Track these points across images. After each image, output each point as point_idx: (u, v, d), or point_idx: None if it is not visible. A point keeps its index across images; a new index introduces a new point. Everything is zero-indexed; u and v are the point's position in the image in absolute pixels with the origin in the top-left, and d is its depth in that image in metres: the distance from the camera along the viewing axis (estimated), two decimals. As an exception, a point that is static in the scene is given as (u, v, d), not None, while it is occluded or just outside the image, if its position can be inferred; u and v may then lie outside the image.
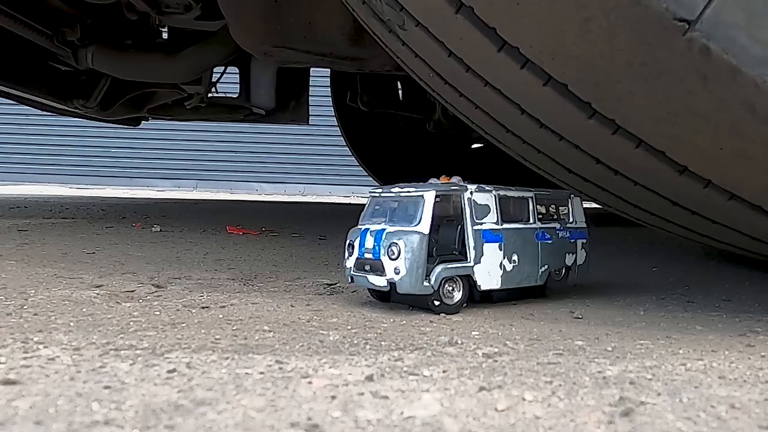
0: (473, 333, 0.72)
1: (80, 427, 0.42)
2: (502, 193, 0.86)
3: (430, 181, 0.86)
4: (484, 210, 0.84)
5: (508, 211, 0.87)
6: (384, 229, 0.81)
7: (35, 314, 0.75)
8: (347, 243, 0.86)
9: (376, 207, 0.86)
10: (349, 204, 3.91)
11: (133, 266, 1.18)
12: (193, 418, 0.44)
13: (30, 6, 1.80)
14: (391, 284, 0.80)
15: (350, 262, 0.85)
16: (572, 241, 0.95)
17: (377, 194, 0.87)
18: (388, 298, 0.87)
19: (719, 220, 0.79)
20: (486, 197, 0.85)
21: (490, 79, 0.76)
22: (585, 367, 0.58)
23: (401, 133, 3.02)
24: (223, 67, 2.36)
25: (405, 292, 0.79)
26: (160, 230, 1.79)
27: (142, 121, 2.83)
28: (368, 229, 0.83)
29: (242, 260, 1.31)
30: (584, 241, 0.97)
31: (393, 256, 0.79)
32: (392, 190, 0.85)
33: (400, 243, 0.78)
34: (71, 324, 0.71)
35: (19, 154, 7.00)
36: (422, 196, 0.81)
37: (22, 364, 0.54)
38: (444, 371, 0.55)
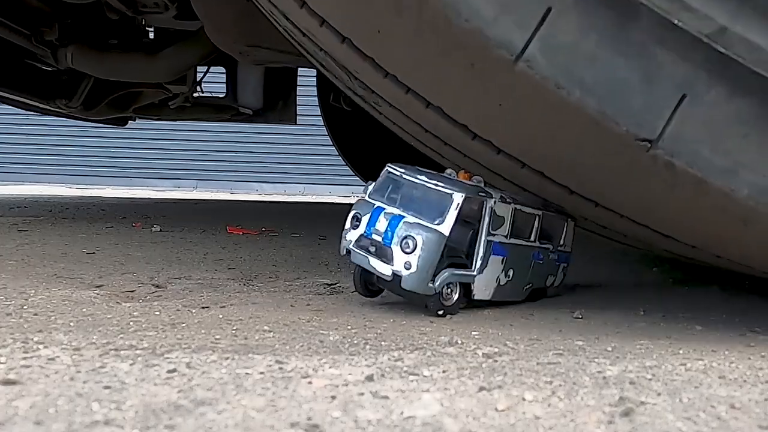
0: (473, 333, 0.72)
1: (80, 427, 0.42)
2: (518, 207, 0.84)
3: (446, 172, 0.83)
4: (500, 221, 0.82)
5: (516, 225, 0.85)
6: (402, 217, 0.77)
7: (35, 314, 0.75)
8: (352, 214, 0.82)
9: (394, 187, 0.82)
10: (349, 204, 3.92)
11: (133, 266, 1.18)
12: (193, 418, 0.44)
13: (6, 5, 1.79)
14: (396, 276, 0.77)
15: (352, 236, 0.82)
16: (557, 264, 0.94)
17: (398, 174, 0.82)
18: (375, 293, 0.86)
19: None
20: (505, 209, 0.82)
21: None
22: (585, 367, 0.58)
23: (384, 132, 3.02)
24: (207, 67, 2.35)
25: (409, 288, 0.77)
26: (160, 230, 1.79)
27: (130, 121, 2.82)
28: (383, 209, 0.79)
29: (242, 260, 1.31)
30: (566, 265, 0.96)
31: (408, 249, 0.76)
32: (418, 176, 0.80)
33: (419, 238, 0.75)
34: (71, 324, 0.71)
35: (19, 154, 7.00)
36: (451, 195, 0.77)
37: (22, 364, 0.54)
38: (444, 371, 0.55)
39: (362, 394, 0.49)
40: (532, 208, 0.86)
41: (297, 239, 1.72)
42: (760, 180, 0.57)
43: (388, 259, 0.78)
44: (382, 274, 0.79)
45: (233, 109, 2.49)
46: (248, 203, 3.48)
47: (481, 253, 0.80)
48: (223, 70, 2.40)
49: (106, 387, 0.49)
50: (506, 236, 0.83)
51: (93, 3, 1.79)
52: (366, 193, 0.84)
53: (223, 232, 1.82)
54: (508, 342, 0.68)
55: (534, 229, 0.87)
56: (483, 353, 0.62)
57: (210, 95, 2.51)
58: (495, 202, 0.80)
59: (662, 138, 0.57)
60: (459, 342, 0.67)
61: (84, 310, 0.79)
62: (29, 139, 6.95)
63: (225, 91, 2.46)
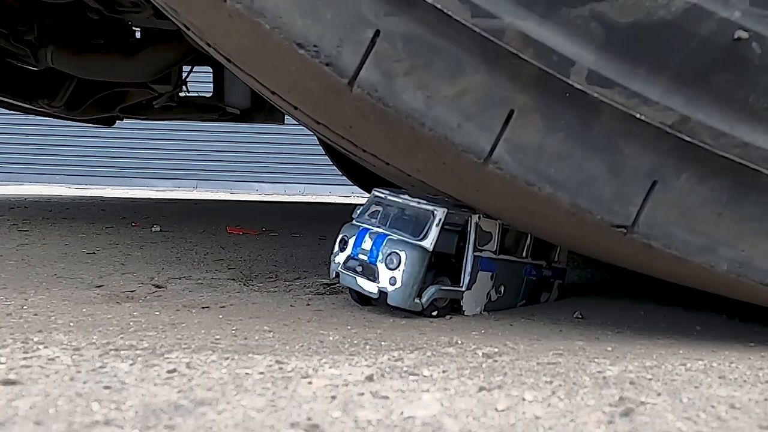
0: (473, 333, 0.72)
1: (80, 427, 0.42)
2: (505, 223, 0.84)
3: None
4: (487, 237, 0.82)
5: (506, 241, 0.85)
6: (387, 235, 0.79)
7: (35, 314, 0.75)
8: (339, 238, 0.84)
9: (378, 208, 0.84)
10: (349, 204, 3.92)
11: (133, 266, 1.18)
12: (193, 418, 0.44)
13: None
14: (382, 293, 0.78)
15: (340, 258, 0.83)
16: (552, 280, 0.94)
17: (382, 196, 0.85)
18: (368, 301, 0.86)
19: None
20: (491, 225, 0.82)
21: None
22: (585, 367, 0.58)
23: None
24: (190, 66, 2.34)
25: (395, 304, 0.78)
26: (160, 230, 1.79)
27: (118, 121, 2.81)
28: (368, 229, 0.81)
29: (242, 260, 1.31)
30: (561, 281, 0.96)
31: (392, 266, 0.77)
32: (401, 195, 0.83)
33: (402, 254, 0.76)
34: (71, 324, 0.71)
35: (19, 154, 7.00)
36: (433, 211, 0.78)
37: (22, 364, 0.54)
38: (444, 371, 0.55)
39: (362, 394, 0.49)
40: None
41: (297, 239, 1.72)
42: (738, 255, 0.59)
43: (374, 276, 0.79)
44: (369, 293, 0.80)
45: (220, 109, 2.47)
46: (248, 203, 3.48)
47: (468, 269, 0.81)
48: (210, 69, 2.39)
49: (106, 387, 0.49)
50: (494, 252, 0.83)
51: (73, 3, 1.79)
52: (354, 217, 0.86)
53: (223, 232, 1.82)
54: (508, 342, 0.68)
55: (525, 246, 0.87)
56: (483, 353, 0.62)
57: (196, 95, 2.50)
58: (479, 218, 0.81)
59: (637, 224, 0.58)
60: (459, 342, 0.67)
61: (84, 310, 0.79)
62: (29, 139, 6.95)
63: (212, 90, 2.45)
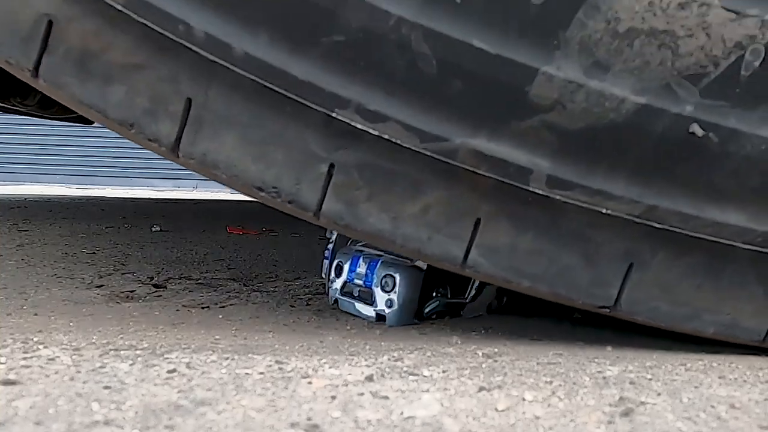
0: (473, 333, 0.72)
1: (80, 427, 0.42)
2: None
3: None
4: None
5: None
6: (381, 258, 0.79)
7: (35, 314, 0.75)
8: (335, 263, 0.84)
9: None
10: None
11: (133, 266, 1.18)
12: (193, 418, 0.44)
13: None
14: (380, 315, 0.78)
15: (338, 284, 0.83)
16: None
17: None
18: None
19: None
20: None
21: None
22: (585, 367, 0.58)
23: None
24: None
25: (395, 325, 0.78)
26: (160, 230, 1.79)
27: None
28: (361, 253, 0.81)
29: (242, 260, 1.31)
30: None
31: (387, 288, 0.77)
32: None
33: (397, 276, 0.77)
34: (71, 324, 0.71)
35: (19, 154, 7.00)
36: None
37: (22, 364, 0.54)
38: (444, 371, 0.55)
39: (362, 394, 0.49)
40: None
41: (297, 239, 1.72)
42: (723, 319, 0.61)
43: (371, 300, 0.79)
44: (368, 317, 0.80)
45: None
46: (248, 203, 3.49)
47: (476, 283, 0.81)
48: None
49: (106, 387, 0.49)
50: None
51: None
52: (331, 236, 0.86)
53: (223, 232, 1.82)
54: (508, 342, 0.68)
55: None
56: (483, 353, 0.62)
57: None
58: None
59: (619, 303, 0.60)
60: (459, 342, 0.67)
61: (84, 310, 0.79)
62: (29, 139, 6.94)
63: None
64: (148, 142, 0.60)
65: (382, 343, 0.66)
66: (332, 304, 0.84)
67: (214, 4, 0.56)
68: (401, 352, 0.62)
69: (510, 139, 0.56)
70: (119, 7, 0.56)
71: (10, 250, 1.34)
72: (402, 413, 0.46)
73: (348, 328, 0.74)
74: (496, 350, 0.64)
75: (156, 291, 0.95)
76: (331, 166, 0.58)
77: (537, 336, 0.72)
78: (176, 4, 0.56)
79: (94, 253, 1.34)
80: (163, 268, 1.17)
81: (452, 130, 0.56)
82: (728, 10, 0.52)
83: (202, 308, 0.83)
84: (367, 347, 0.64)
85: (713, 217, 0.57)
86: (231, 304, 0.86)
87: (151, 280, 1.04)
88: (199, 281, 1.05)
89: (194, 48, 0.56)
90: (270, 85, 0.57)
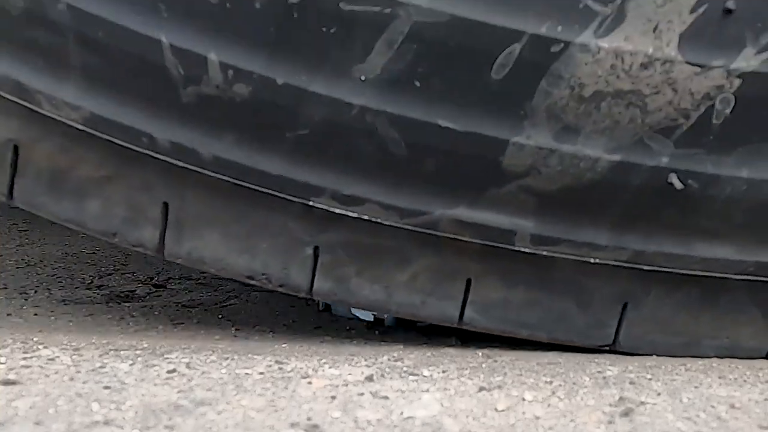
0: (473, 333, 0.72)
1: (80, 427, 0.42)
2: None
3: None
4: None
5: None
6: None
7: (35, 314, 0.75)
8: None
9: None
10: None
11: (133, 266, 1.17)
12: (193, 418, 0.44)
13: None
14: (377, 318, 0.76)
15: None
16: None
17: None
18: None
19: None
20: None
21: None
22: (585, 367, 0.58)
23: None
24: None
25: (393, 324, 0.77)
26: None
27: None
28: None
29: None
30: None
31: None
32: None
33: None
34: (71, 324, 0.71)
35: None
36: None
37: (22, 364, 0.54)
38: (444, 371, 0.55)
39: (362, 394, 0.49)
40: None
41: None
42: (723, 343, 0.62)
43: None
44: (364, 320, 0.78)
45: None
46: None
47: None
48: None
49: (106, 387, 0.49)
50: None
51: None
52: None
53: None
54: (508, 342, 0.68)
55: None
56: (483, 353, 0.62)
57: None
58: None
59: (617, 341, 0.62)
60: (459, 342, 0.67)
61: (84, 310, 0.79)
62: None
63: None
64: (133, 247, 0.61)
65: (382, 343, 0.66)
66: (322, 309, 0.82)
67: (176, 114, 0.56)
68: (401, 352, 0.62)
69: (490, 205, 0.57)
70: (80, 127, 0.57)
71: (9, 250, 1.34)
72: (402, 413, 0.46)
73: (348, 328, 0.74)
74: (496, 350, 0.64)
75: (156, 291, 0.95)
76: (316, 248, 0.60)
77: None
78: (136, 118, 0.57)
79: (94, 253, 1.34)
80: (163, 268, 1.17)
81: (430, 203, 0.57)
82: (692, 65, 0.53)
83: (202, 308, 0.83)
84: (367, 347, 0.64)
85: (701, 254, 0.58)
86: (231, 304, 0.86)
87: (151, 280, 1.04)
88: (199, 281, 1.05)
89: (161, 157, 0.57)
90: (244, 183, 0.58)
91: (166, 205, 0.59)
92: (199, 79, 0.55)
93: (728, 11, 0.51)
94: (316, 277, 0.60)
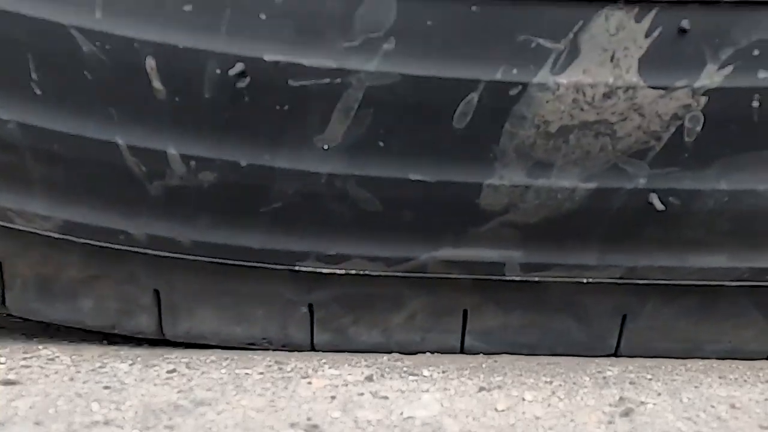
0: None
1: (80, 427, 0.42)
2: None
3: None
4: None
5: None
6: None
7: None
8: None
9: None
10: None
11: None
12: (192, 418, 0.44)
13: None
14: None
15: None
16: None
17: None
18: None
19: None
20: None
21: None
22: (585, 367, 0.58)
23: None
24: None
25: None
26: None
27: None
28: None
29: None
30: None
31: None
32: None
33: None
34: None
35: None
36: None
37: (22, 364, 0.54)
38: (444, 371, 0.55)
39: (362, 394, 0.49)
40: None
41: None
42: (725, 346, 0.62)
43: None
44: None
45: None
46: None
47: None
48: None
49: (106, 387, 0.49)
50: None
51: None
52: None
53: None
54: (508, 342, 0.68)
55: None
56: (483, 353, 0.62)
57: None
58: None
59: (619, 350, 0.62)
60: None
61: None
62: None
63: None
64: (134, 335, 0.62)
65: (382, 343, 0.66)
66: None
67: (146, 208, 0.57)
68: (401, 352, 0.62)
69: (474, 242, 0.58)
70: (56, 236, 0.58)
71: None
72: (402, 413, 0.46)
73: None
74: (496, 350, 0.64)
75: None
76: (310, 305, 0.61)
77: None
78: (109, 218, 0.58)
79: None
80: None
81: (414, 249, 0.58)
82: (655, 88, 0.53)
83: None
84: (367, 347, 0.64)
85: (694, 265, 0.59)
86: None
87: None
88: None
89: (141, 250, 0.58)
90: (228, 261, 0.59)
91: (156, 292, 0.61)
92: (162, 173, 0.56)
93: (683, 31, 0.52)
94: (315, 333, 0.62)
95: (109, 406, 0.45)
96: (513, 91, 0.53)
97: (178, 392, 0.49)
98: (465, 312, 0.61)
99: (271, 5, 0.52)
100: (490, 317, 0.61)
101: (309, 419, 0.44)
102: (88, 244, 0.58)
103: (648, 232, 0.57)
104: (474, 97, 0.53)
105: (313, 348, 0.62)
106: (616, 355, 0.62)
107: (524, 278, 0.59)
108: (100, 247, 0.59)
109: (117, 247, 0.58)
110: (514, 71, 0.52)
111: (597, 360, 0.61)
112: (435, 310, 0.61)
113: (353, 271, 0.58)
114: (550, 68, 0.52)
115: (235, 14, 0.53)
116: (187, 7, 0.53)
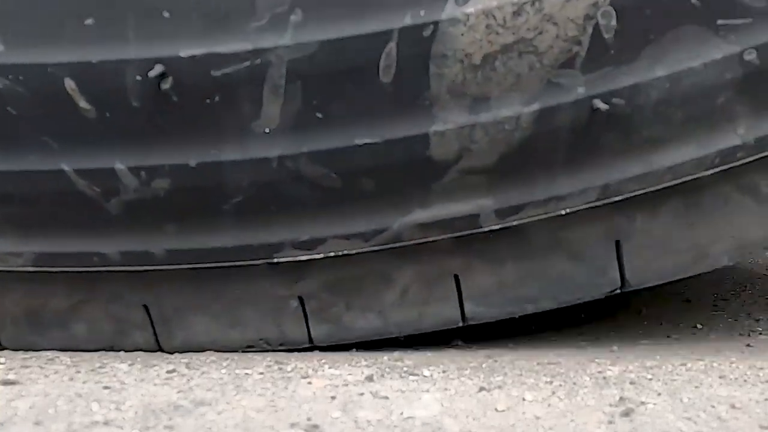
0: (473, 333, 0.72)
1: (80, 427, 0.42)
2: None
3: None
4: None
5: None
6: None
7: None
8: None
9: None
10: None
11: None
12: (192, 418, 0.44)
13: None
14: None
15: None
16: None
17: None
18: None
19: None
20: None
21: None
22: (585, 367, 0.58)
23: None
24: None
25: None
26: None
27: None
28: None
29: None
30: None
31: None
32: None
33: None
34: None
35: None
36: None
37: (22, 364, 0.54)
38: (444, 371, 0.55)
39: (362, 394, 0.49)
40: None
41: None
42: (730, 243, 0.61)
43: None
44: None
45: None
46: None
47: None
48: None
49: (106, 387, 0.49)
50: None
51: None
52: None
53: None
54: (508, 342, 0.68)
55: None
56: (483, 353, 0.62)
57: None
58: None
59: (626, 281, 0.61)
60: (459, 342, 0.67)
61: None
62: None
63: None
64: (135, 351, 0.62)
65: (383, 343, 0.66)
66: None
67: (112, 227, 0.57)
68: (401, 352, 0.62)
69: (441, 198, 0.57)
70: (32, 269, 0.59)
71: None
72: (402, 413, 0.46)
73: (348, 328, 0.74)
74: (496, 350, 0.64)
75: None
76: (300, 297, 0.60)
77: (537, 336, 0.72)
78: (78, 243, 0.58)
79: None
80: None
81: (385, 218, 0.58)
82: None
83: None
84: (367, 347, 0.64)
85: (664, 164, 0.57)
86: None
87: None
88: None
89: (118, 268, 0.58)
90: (205, 265, 0.59)
91: (145, 307, 0.61)
92: (116, 190, 0.56)
93: None
94: (310, 326, 0.61)
95: (109, 406, 0.45)
96: (426, 32, 0.53)
97: (178, 392, 0.49)
98: (456, 277, 0.60)
99: (171, 1, 0.52)
100: (482, 277, 0.60)
101: (309, 419, 0.44)
102: (68, 271, 0.59)
103: (606, 142, 0.57)
104: (392, 47, 0.53)
105: (311, 342, 0.61)
106: (623, 286, 0.60)
107: (502, 225, 0.58)
108: (79, 272, 0.59)
109: (94, 269, 0.58)
110: (422, 12, 0.53)
111: (597, 360, 0.61)
112: (425, 280, 0.60)
113: (332, 254, 0.58)
114: (454, 1, 0.52)
115: (139, 18, 0.52)
116: (89, 21, 0.52)
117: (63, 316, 0.61)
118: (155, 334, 0.62)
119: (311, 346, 0.62)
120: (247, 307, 0.61)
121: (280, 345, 0.62)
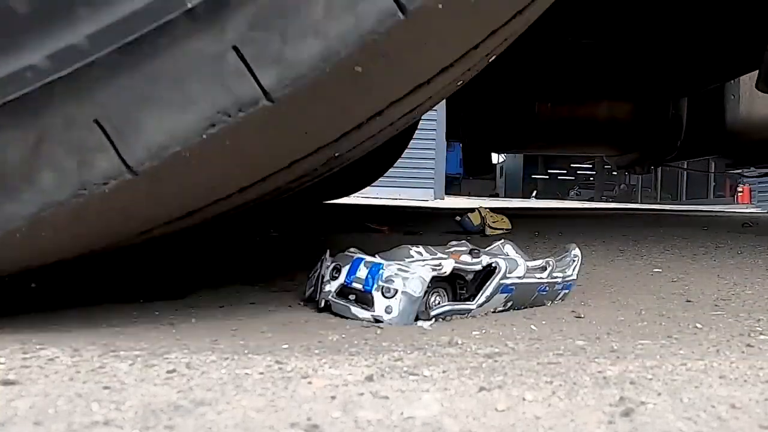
0: (473, 333, 0.72)
1: (80, 427, 0.42)
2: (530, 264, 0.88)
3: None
4: (514, 264, 0.85)
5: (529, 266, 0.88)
6: (382, 264, 0.78)
7: (35, 314, 0.75)
8: (332, 266, 0.82)
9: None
10: (355, 204, 3.92)
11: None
12: (192, 418, 0.44)
13: None
14: (376, 320, 0.77)
15: (332, 286, 0.81)
16: (560, 290, 0.94)
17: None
18: None
19: None
20: (514, 251, 0.90)
21: None
22: (585, 367, 0.58)
23: None
24: None
25: (392, 324, 0.76)
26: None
27: None
28: (363, 259, 0.80)
29: (241, 260, 1.31)
30: (567, 291, 0.96)
31: (388, 294, 0.76)
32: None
33: (400, 284, 0.75)
34: (71, 324, 0.71)
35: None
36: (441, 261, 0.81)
37: (22, 364, 0.54)
38: (444, 371, 0.55)
39: (362, 394, 0.49)
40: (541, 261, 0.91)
41: (294, 239, 1.72)
42: None
43: (369, 305, 0.77)
44: (362, 319, 0.78)
45: None
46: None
47: (488, 292, 0.82)
48: None
49: (106, 387, 0.49)
50: (521, 276, 0.85)
51: None
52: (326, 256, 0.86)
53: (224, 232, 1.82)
54: (508, 342, 0.68)
55: (547, 271, 0.90)
56: (483, 353, 0.62)
57: None
58: (513, 248, 0.90)
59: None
60: (459, 342, 0.67)
61: (83, 310, 0.79)
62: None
63: None
64: (105, 182, 0.59)
65: (382, 344, 0.66)
66: (321, 307, 0.82)
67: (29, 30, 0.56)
68: (401, 352, 0.62)
69: None
70: None
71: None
72: (402, 413, 0.46)
73: (348, 327, 0.74)
74: (496, 350, 0.64)
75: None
76: (235, 48, 0.56)
77: (537, 336, 0.72)
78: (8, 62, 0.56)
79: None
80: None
81: None
82: None
83: (202, 309, 0.83)
84: (367, 347, 0.64)
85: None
86: (230, 304, 0.86)
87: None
88: (199, 280, 1.05)
89: (54, 77, 0.57)
90: (131, 37, 0.56)
91: (98, 123, 0.58)
92: None
93: None
94: (257, 75, 0.57)
95: (109, 406, 0.45)
96: None
97: (178, 392, 0.49)
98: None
99: None
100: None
101: (309, 419, 0.44)
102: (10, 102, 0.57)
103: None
104: None
105: (266, 95, 0.57)
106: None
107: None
108: (24, 104, 0.57)
109: (33, 89, 0.57)
110: None
111: (597, 360, 0.61)
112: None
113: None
114: None
115: None
116: None
117: (26, 168, 0.58)
118: (116, 150, 0.58)
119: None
120: (191, 81, 0.57)
121: (239, 111, 0.57)
